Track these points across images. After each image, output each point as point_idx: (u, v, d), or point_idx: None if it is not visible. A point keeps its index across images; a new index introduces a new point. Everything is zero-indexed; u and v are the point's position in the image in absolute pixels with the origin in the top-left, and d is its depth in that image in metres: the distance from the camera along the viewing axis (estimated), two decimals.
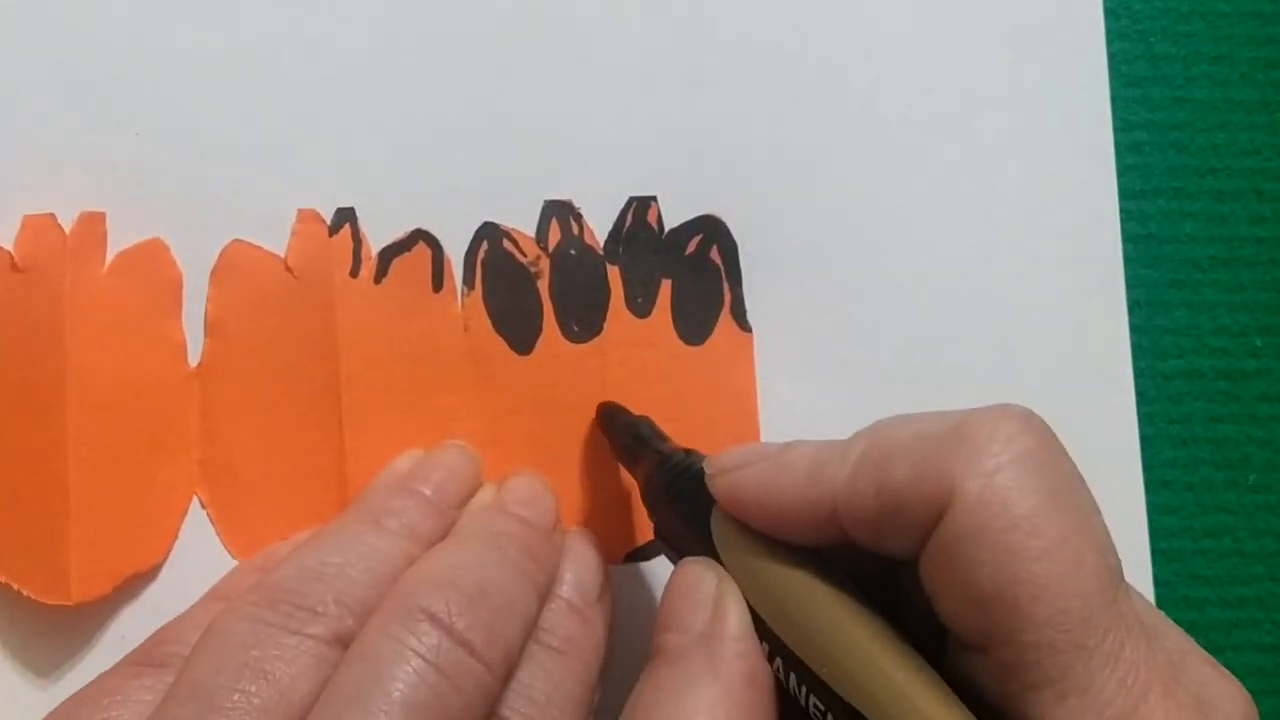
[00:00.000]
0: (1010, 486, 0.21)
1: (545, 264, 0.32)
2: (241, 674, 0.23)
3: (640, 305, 0.32)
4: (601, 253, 0.32)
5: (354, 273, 0.31)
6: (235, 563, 0.30)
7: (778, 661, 0.23)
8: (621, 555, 0.31)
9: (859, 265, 0.33)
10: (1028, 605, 0.20)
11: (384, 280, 0.31)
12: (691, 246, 0.33)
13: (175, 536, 0.30)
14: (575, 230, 0.32)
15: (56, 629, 0.29)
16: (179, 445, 0.30)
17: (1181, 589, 0.34)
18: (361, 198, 0.31)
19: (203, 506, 0.30)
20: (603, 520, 0.31)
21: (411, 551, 0.26)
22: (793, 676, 0.22)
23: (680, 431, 0.30)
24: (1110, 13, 0.34)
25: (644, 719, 0.23)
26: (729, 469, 0.25)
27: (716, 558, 0.25)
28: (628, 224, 0.32)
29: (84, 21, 0.31)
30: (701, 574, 0.24)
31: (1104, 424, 0.33)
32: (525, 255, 0.32)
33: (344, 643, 0.24)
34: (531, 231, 0.32)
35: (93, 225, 0.30)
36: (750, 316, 0.33)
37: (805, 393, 0.32)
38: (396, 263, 0.31)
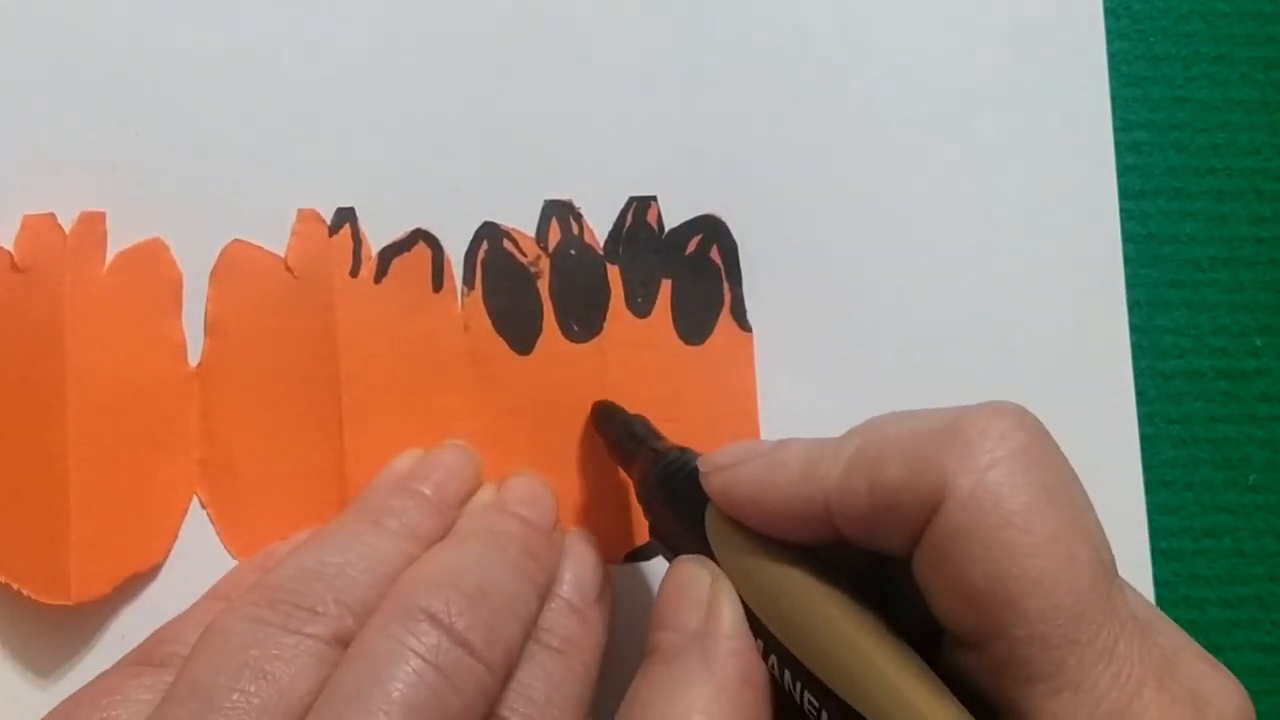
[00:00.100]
0: (1003, 483, 0.21)
1: (545, 264, 0.32)
2: (241, 673, 0.23)
3: (640, 305, 0.32)
4: (601, 253, 0.32)
5: (354, 273, 0.31)
6: (235, 563, 0.30)
7: (772, 659, 0.23)
8: (621, 555, 0.31)
9: (859, 265, 0.33)
10: (1020, 600, 0.20)
11: (384, 280, 0.31)
12: (691, 246, 0.33)
13: (175, 536, 0.30)
14: (575, 230, 0.32)
15: (56, 629, 0.29)
16: (179, 445, 0.30)
17: (1181, 589, 0.34)
18: (361, 198, 0.31)
19: (203, 506, 0.30)
20: (602, 520, 0.31)
21: (411, 551, 0.26)
22: (787, 674, 0.22)
23: (680, 431, 0.30)
24: (1110, 13, 0.34)
25: (640, 717, 0.23)
26: (722, 467, 0.25)
27: (711, 556, 0.25)
28: (628, 224, 0.32)
29: (84, 21, 0.31)
30: (696, 572, 0.24)
31: (1104, 424, 0.33)
32: (525, 255, 0.32)
33: (344, 642, 0.24)
34: (531, 231, 0.32)
35: (93, 225, 0.30)
36: (750, 316, 0.33)
37: (805, 393, 0.32)
38: (396, 263, 0.31)
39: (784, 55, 0.33)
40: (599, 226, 0.32)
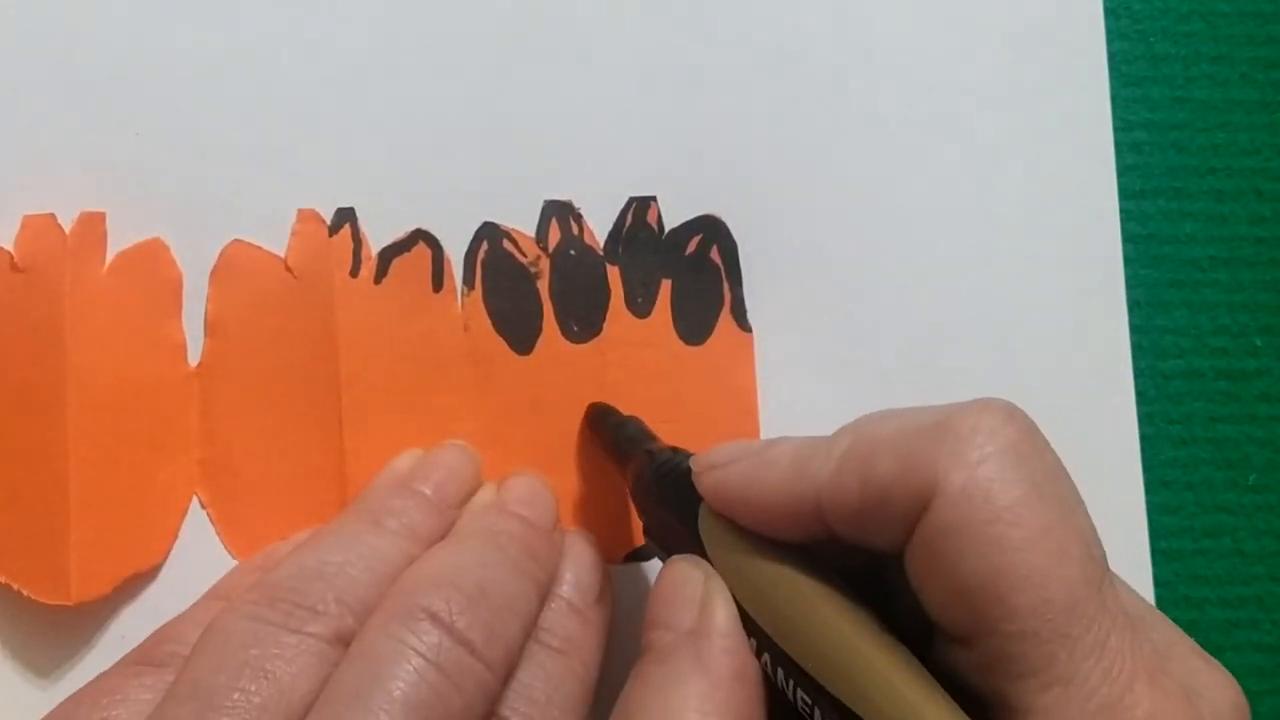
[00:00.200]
0: (993, 479, 0.21)
1: (545, 264, 0.32)
2: (241, 673, 0.23)
3: (640, 305, 0.32)
4: (601, 253, 0.32)
5: (354, 273, 0.31)
6: (235, 563, 0.30)
7: (765, 657, 0.23)
8: (621, 555, 0.31)
9: (859, 265, 0.33)
10: (1011, 596, 0.20)
11: (384, 280, 0.31)
12: (691, 246, 0.33)
13: (175, 536, 0.30)
14: (575, 230, 0.32)
15: (56, 629, 0.29)
16: (179, 445, 0.30)
17: (1181, 589, 0.34)
18: (361, 198, 0.31)
19: (203, 506, 0.30)
20: (602, 520, 0.31)
21: (411, 551, 0.27)
22: (780, 671, 0.22)
23: (680, 432, 0.30)
24: (1110, 13, 0.34)
25: (633, 717, 0.23)
26: (715, 466, 0.25)
27: (704, 555, 0.25)
28: (628, 224, 0.32)
29: (84, 21, 0.31)
30: (689, 571, 0.24)
31: (1104, 424, 0.33)
32: (525, 255, 0.32)
33: (344, 642, 0.24)
34: (531, 231, 0.32)
35: (93, 225, 0.30)
36: (750, 316, 0.33)
37: (805, 393, 0.32)
38: (396, 263, 0.31)
39: (784, 55, 0.33)
40: (599, 227, 0.32)
